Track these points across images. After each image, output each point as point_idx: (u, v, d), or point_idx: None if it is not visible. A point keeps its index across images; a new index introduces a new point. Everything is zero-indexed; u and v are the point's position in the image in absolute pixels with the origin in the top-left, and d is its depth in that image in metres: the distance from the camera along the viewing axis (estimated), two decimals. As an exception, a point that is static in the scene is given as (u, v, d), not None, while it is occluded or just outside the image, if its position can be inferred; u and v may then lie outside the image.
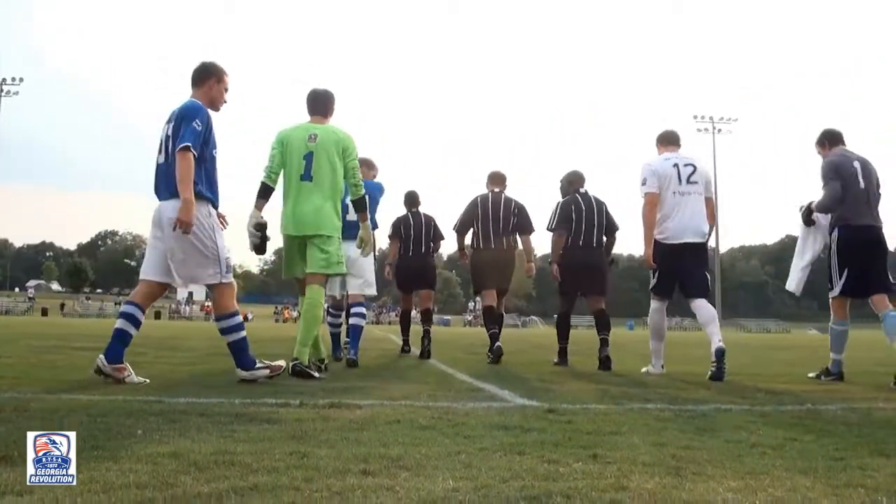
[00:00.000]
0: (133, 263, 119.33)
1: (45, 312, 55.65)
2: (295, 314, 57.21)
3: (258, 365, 4.51)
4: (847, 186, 5.42)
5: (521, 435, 2.71)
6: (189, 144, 4.22)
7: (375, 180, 6.89)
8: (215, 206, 4.51)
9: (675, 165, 5.70)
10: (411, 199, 8.18)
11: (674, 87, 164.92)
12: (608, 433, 2.78)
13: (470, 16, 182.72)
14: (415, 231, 7.90)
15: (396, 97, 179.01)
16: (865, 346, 11.47)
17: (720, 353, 5.30)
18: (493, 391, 4.28)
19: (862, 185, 5.45)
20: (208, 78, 4.56)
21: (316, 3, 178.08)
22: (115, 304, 64.66)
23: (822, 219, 5.74)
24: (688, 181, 5.67)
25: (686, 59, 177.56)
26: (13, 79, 50.59)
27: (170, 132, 4.37)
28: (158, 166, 4.47)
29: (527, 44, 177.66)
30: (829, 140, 5.77)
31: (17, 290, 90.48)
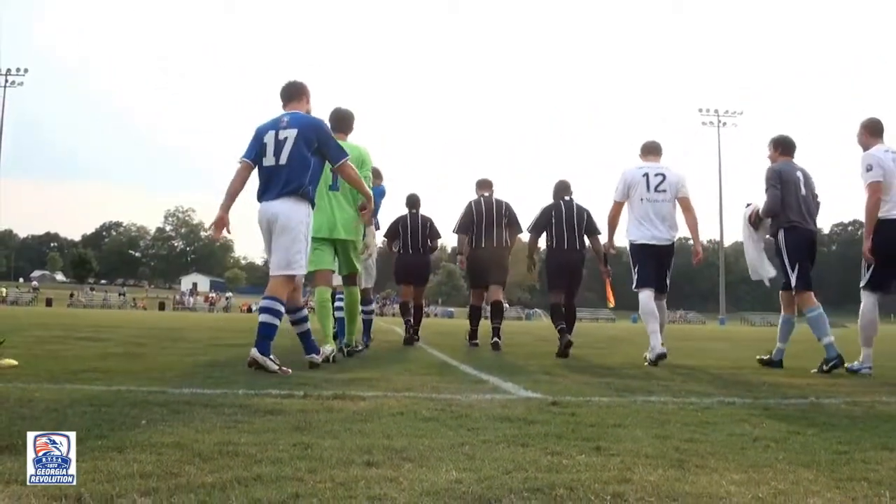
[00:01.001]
0: (137, 254, 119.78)
1: (49, 303, 55.82)
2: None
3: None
4: (790, 192, 5.94)
5: (524, 427, 2.71)
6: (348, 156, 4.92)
7: (380, 185, 7.58)
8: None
9: (646, 175, 6.33)
10: (412, 202, 8.89)
11: (679, 81, 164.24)
12: (611, 426, 2.78)
13: (470, 8, 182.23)
14: (412, 230, 8.65)
15: (395, 98, 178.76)
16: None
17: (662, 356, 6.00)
18: (497, 383, 4.29)
19: (803, 192, 5.99)
20: (304, 94, 5.06)
21: (315, 4, 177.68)
22: (120, 294, 64.90)
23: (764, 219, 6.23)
24: (656, 189, 6.30)
25: (691, 53, 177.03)
26: (18, 69, 50.72)
27: (286, 137, 4.74)
28: (269, 168, 4.77)
29: (528, 39, 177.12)
30: (783, 147, 6.24)
31: (21, 280, 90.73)
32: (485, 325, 8.40)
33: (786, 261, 5.97)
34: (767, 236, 6.36)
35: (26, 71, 50.75)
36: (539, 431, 2.62)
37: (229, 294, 73.70)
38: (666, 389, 4.17)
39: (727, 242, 72.81)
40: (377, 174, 7.36)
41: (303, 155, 4.71)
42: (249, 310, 55.73)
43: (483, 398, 3.53)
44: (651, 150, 6.59)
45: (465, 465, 2.06)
